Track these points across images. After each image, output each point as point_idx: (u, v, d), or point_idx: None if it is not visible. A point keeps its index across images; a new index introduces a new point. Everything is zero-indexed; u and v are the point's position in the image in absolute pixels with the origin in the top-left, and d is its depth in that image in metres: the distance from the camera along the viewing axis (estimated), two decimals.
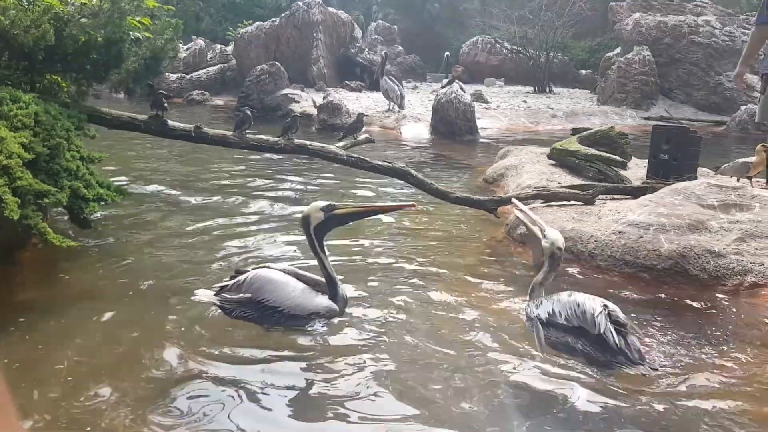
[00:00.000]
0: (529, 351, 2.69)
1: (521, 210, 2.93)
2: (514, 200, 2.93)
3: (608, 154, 5.66)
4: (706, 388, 2.46)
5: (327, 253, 2.98)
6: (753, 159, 4.86)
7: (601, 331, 2.39)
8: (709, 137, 9.32)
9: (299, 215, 3.03)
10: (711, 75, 14.78)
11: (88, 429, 2.11)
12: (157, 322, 2.91)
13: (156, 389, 2.36)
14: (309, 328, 2.86)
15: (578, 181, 5.19)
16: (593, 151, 5.74)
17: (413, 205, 3.43)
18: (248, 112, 5.15)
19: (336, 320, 2.92)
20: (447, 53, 14.34)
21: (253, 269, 2.91)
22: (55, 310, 3.00)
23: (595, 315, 2.43)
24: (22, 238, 3.61)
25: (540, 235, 2.75)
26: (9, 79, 3.94)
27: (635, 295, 3.44)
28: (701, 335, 2.96)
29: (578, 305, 2.48)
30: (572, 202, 4.65)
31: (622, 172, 5.45)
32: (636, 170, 5.81)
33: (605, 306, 2.49)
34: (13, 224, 2.92)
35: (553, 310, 2.54)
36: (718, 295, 3.44)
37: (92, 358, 2.59)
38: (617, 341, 2.38)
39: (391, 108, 12.23)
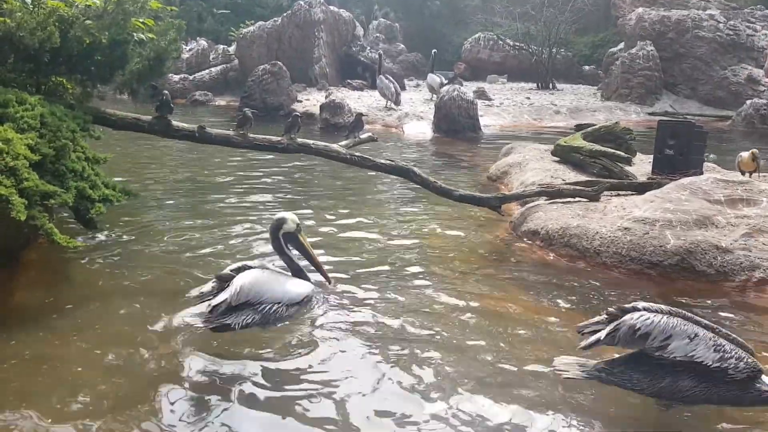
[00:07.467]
0: (531, 348, 2.69)
1: None
2: None
3: (613, 150, 5.64)
4: None
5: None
6: (745, 154, 4.92)
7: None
8: (714, 132, 9.27)
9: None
10: (716, 69, 14.69)
11: (93, 425, 2.13)
12: (162, 322, 2.91)
13: (158, 388, 2.37)
14: (306, 316, 2.98)
15: (583, 178, 5.18)
16: (598, 147, 5.72)
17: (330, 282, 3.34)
18: (249, 113, 5.12)
19: (336, 322, 2.96)
20: (434, 51, 14.35)
21: (232, 271, 2.88)
22: (61, 309, 3.01)
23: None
24: (28, 238, 3.62)
25: None
26: (15, 82, 3.97)
27: (641, 292, 3.44)
28: None
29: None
30: (577, 199, 4.63)
31: (627, 168, 5.43)
32: (641, 166, 5.79)
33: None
34: (19, 224, 2.94)
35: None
36: (725, 291, 3.43)
37: (97, 356, 2.60)
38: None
39: (388, 105, 12.29)
